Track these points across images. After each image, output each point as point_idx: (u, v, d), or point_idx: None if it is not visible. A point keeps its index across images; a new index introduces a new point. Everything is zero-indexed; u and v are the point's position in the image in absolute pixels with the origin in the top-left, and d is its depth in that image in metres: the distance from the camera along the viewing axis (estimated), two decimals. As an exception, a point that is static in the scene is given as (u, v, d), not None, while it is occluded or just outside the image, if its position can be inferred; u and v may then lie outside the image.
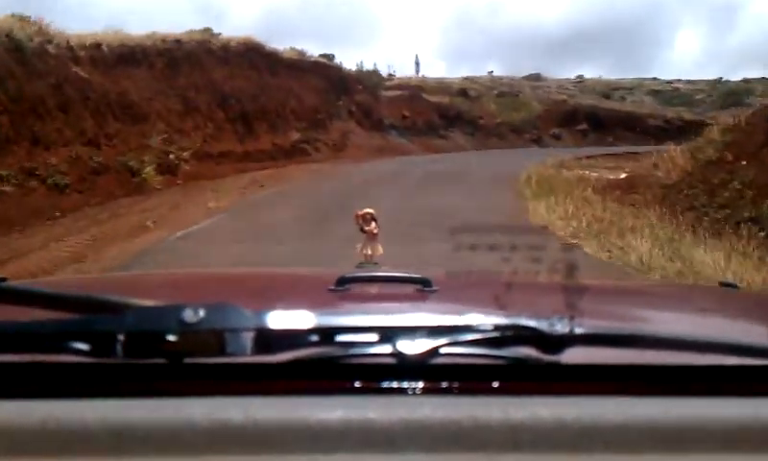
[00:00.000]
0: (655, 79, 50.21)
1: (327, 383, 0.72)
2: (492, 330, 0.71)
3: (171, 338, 0.69)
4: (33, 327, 0.73)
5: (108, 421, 0.66)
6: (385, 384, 0.72)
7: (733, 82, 43.30)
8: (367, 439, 0.66)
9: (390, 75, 36.53)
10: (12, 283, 1.03)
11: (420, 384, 0.72)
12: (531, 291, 0.89)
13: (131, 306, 0.73)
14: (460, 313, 0.75)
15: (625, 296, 1.60)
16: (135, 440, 0.65)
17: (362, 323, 0.74)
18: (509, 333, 0.72)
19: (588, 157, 24.47)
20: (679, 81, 50.28)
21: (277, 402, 0.69)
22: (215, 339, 0.70)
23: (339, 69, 30.00)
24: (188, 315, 0.69)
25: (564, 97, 41.14)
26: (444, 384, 0.72)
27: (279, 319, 0.70)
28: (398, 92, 33.43)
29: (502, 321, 0.72)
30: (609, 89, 47.48)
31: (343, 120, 27.41)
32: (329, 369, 0.73)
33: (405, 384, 0.72)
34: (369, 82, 31.92)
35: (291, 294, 1.50)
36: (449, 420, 0.67)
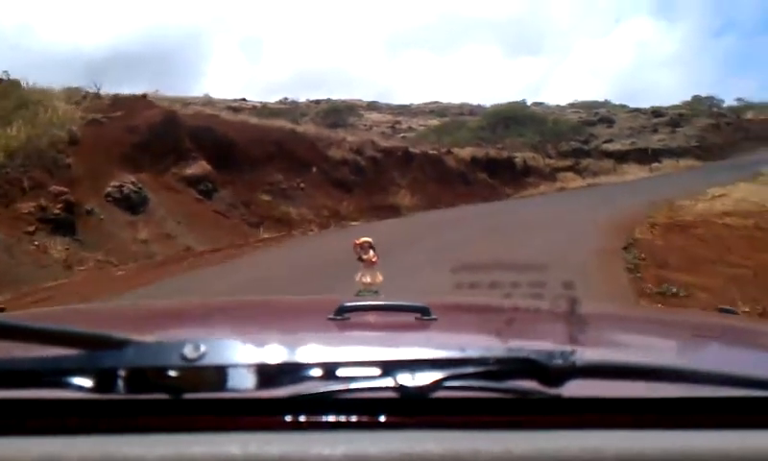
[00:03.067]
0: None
1: (328, 418, 0.71)
2: (494, 363, 0.70)
3: (172, 373, 0.69)
4: (31, 364, 0.73)
5: (108, 457, 0.65)
6: (386, 419, 0.72)
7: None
8: None
9: None
10: (9, 318, 0.97)
11: (422, 418, 0.71)
12: (532, 321, 0.90)
13: (131, 341, 0.72)
14: (460, 344, 0.75)
15: (626, 325, 1.62)
16: None
17: (363, 356, 0.74)
18: (510, 366, 0.71)
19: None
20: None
21: (277, 438, 0.68)
22: (216, 374, 0.69)
23: None
24: (189, 350, 0.68)
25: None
26: (446, 418, 0.71)
27: (280, 353, 0.70)
28: None
29: (503, 353, 0.72)
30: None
31: None
32: (330, 404, 0.72)
33: (406, 418, 0.71)
34: None
35: (291, 324, 1.50)
36: (451, 454, 0.66)
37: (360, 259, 2.80)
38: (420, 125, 44.15)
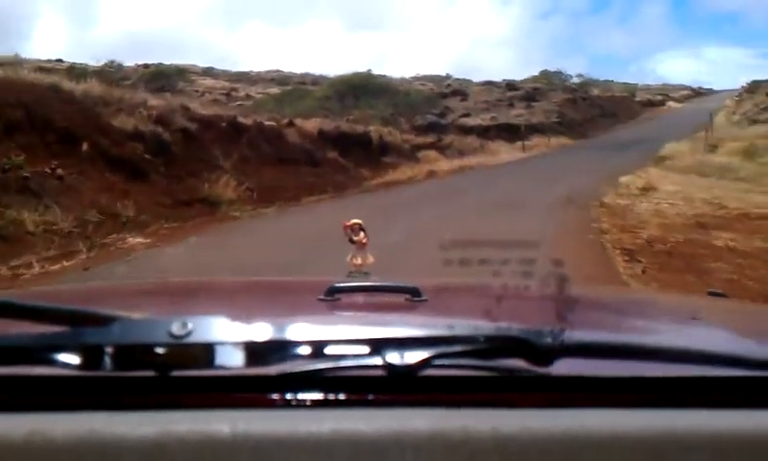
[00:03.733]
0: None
1: (317, 396, 0.72)
2: (483, 342, 0.71)
3: (159, 350, 0.69)
4: (18, 340, 0.73)
5: (95, 434, 0.65)
6: (375, 396, 0.72)
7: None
8: (356, 451, 0.66)
9: None
10: None
11: (410, 396, 0.71)
12: (521, 302, 0.88)
13: (118, 318, 0.72)
14: (450, 324, 0.76)
15: (615, 306, 1.63)
16: (122, 453, 0.65)
17: (352, 334, 0.74)
18: (499, 345, 0.71)
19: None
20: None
21: (266, 415, 0.69)
22: (203, 352, 0.69)
23: None
24: (177, 327, 0.68)
25: None
26: (435, 396, 0.71)
27: (268, 331, 0.70)
28: None
29: (492, 332, 0.72)
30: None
31: None
32: (318, 382, 0.72)
33: (395, 396, 0.71)
34: None
35: (281, 304, 1.51)
36: (439, 432, 0.66)
37: (351, 241, 2.62)
38: (260, 93, 38.56)
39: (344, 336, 0.74)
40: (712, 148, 21.52)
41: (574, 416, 0.69)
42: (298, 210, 12.56)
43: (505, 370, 0.72)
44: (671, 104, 59.33)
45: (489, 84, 42.84)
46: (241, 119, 16.88)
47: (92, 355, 0.69)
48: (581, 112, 38.35)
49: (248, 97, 37.28)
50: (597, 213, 10.13)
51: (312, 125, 20.14)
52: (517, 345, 0.71)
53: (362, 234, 2.65)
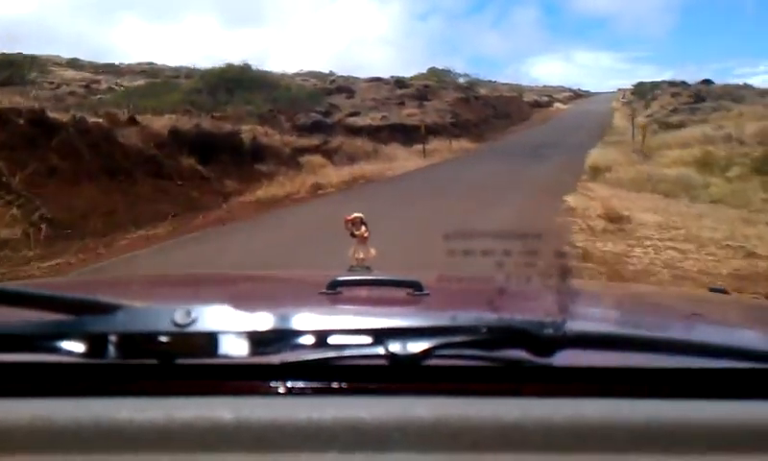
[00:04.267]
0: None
1: (319, 384, 0.72)
2: (484, 333, 0.71)
3: (162, 339, 0.69)
4: (23, 328, 0.73)
5: (99, 420, 0.66)
6: (377, 385, 0.72)
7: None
8: (358, 439, 0.66)
9: None
10: (3, 285, 0.98)
11: (412, 385, 0.71)
12: (523, 294, 0.89)
13: (122, 307, 0.73)
14: (451, 316, 0.76)
15: (616, 299, 1.62)
16: (125, 439, 0.65)
17: (354, 325, 0.74)
18: (501, 335, 0.72)
19: None
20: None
21: (268, 403, 0.70)
22: (206, 340, 0.69)
23: None
24: (180, 316, 0.69)
25: None
26: (437, 385, 0.72)
27: (271, 320, 0.70)
28: None
29: (494, 323, 0.72)
30: None
31: None
32: (321, 370, 0.72)
33: (397, 385, 0.71)
34: None
35: (282, 296, 1.53)
36: (441, 420, 0.67)
37: (352, 235, 2.62)
38: (123, 86, 33.10)
39: (346, 326, 0.74)
40: (645, 157, 19.25)
41: (575, 405, 0.69)
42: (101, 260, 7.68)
43: (507, 360, 0.73)
44: (558, 105, 59.00)
45: (377, 80, 39.60)
46: (53, 114, 12.27)
47: (96, 343, 0.70)
48: (475, 112, 36.01)
49: (110, 90, 31.75)
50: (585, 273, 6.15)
51: (162, 124, 15.72)
52: (519, 335, 0.71)
53: (363, 228, 2.61)
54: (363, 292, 1.37)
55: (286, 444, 0.66)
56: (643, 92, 49.61)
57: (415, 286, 1.16)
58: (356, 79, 40.34)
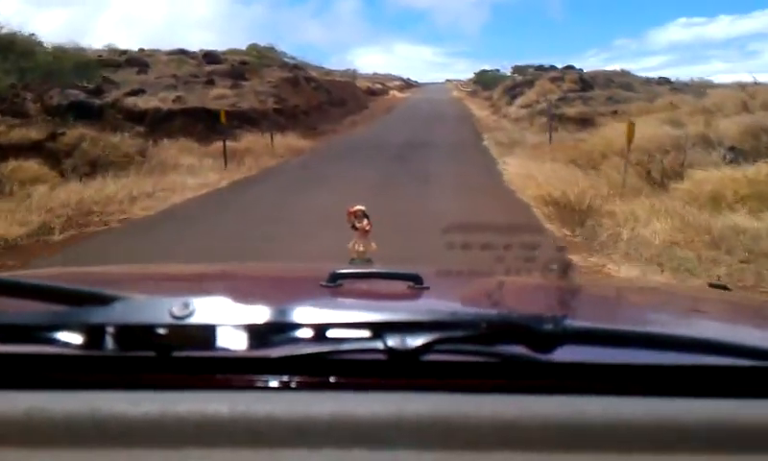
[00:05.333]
0: None
1: (317, 379, 0.72)
2: (484, 328, 0.71)
3: (160, 331, 0.69)
4: (20, 319, 0.74)
5: (95, 412, 0.66)
6: (375, 380, 0.71)
7: None
8: (355, 434, 0.66)
9: None
10: (1, 275, 0.96)
11: (411, 381, 0.71)
12: (523, 289, 0.85)
13: (119, 298, 0.73)
14: (451, 310, 0.76)
15: (616, 295, 1.60)
16: (121, 432, 0.65)
17: (353, 319, 0.73)
18: (500, 331, 0.72)
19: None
20: None
21: (265, 397, 0.69)
22: (204, 333, 0.69)
23: None
24: (178, 308, 0.69)
25: None
26: (435, 381, 0.71)
27: (269, 314, 0.70)
28: None
29: (493, 318, 0.72)
30: None
31: None
32: (319, 365, 0.73)
33: (395, 381, 0.71)
34: None
35: (282, 289, 1.51)
36: (439, 416, 0.67)
37: (354, 228, 2.69)
38: None
39: (345, 320, 0.73)
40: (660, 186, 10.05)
41: (574, 402, 0.69)
42: None
43: (506, 356, 0.73)
44: (394, 92, 53.77)
45: (181, 53, 30.89)
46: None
47: (93, 334, 0.69)
48: (304, 97, 28.73)
49: None
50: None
51: None
52: (519, 331, 0.71)
53: (365, 221, 2.58)
54: (363, 285, 1.36)
55: (282, 439, 0.65)
56: (486, 81, 45.63)
57: (415, 279, 1.16)
58: (155, 51, 31.33)
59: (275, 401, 0.68)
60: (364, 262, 2.37)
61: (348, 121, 28.55)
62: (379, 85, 56.28)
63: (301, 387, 0.71)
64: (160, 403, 0.66)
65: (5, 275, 1.00)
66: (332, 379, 0.71)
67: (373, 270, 1.52)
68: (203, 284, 1.54)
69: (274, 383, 0.71)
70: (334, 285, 1.17)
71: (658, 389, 0.71)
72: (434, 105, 36.68)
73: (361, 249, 2.53)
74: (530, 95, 28.62)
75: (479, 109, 34.17)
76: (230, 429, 0.65)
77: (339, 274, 1.19)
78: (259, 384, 0.71)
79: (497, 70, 48.79)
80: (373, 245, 2.55)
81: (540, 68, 37.54)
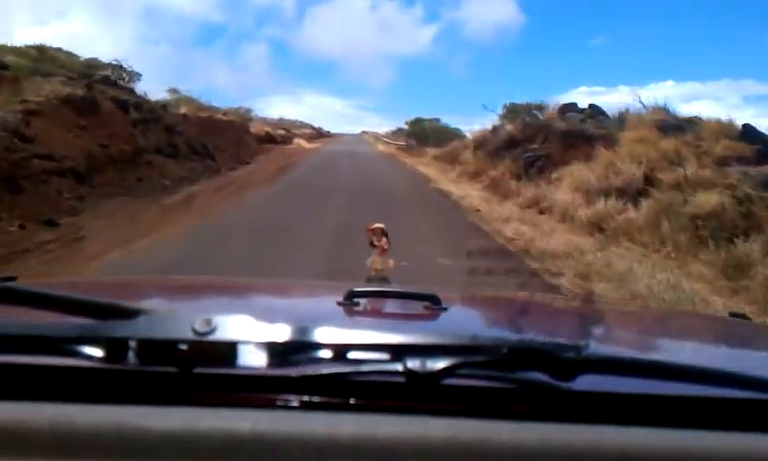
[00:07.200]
0: None
1: (337, 400, 0.71)
2: (505, 353, 0.70)
3: (182, 346, 0.69)
4: (45, 330, 0.73)
5: (117, 426, 0.66)
6: (395, 403, 0.70)
7: None
8: (375, 456, 0.65)
9: None
10: (25, 284, 0.98)
11: (430, 404, 0.70)
12: (545, 313, 0.82)
13: (142, 312, 0.73)
14: (471, 333, 0.75)
15: (636, 322, 1.58)
16: (144, 447, 0.65)
17: (373, 340, 0.73)
18: (521, 357, 0.70)
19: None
20: None
21: (285, 416, 0.69)
22: (226, 350, 0.69)
23: None
24: (200, 324, 0.68)
25: None
26: (455, 406, 0.70)
27: (290, 332, 0.70)
28: None
29: (515, 344, 0.71)
30: None
31: None
32: (339, 385, 0.72)
33: (416, 404, 0.70)
34: None
35: (301, 306, 1.50)
36: (458, 441, 0.66)
37: (372, 245, 2.62)
38: None
39: (364, 341, 0.72)
40: None
41: (594, 432, 0.68)
42: None
43: (527, 382, 0.71)
44: (300, 142, 40.40)
45: None
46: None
47: (116, 348, 0.69)
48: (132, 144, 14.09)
49: None
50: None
51: None
52: (540, 358, 0.70)
53: (384, 240, 2.56)
54: (380, 304, 1.34)
55: (302, 459, 0.65)
56: (424, 132, 33.20)
57: (433, 300, 1.14)
58: None
59: (296, 421, 0.67)
60: (380, 280, 2.36)
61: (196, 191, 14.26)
62: (282, 131, 42.86)
63: (322, 407, 0.70)
64: (183, 420, 0.66)
65: (27, 283, 1.01)
66: (352, 400, 0.70)
67: (391, 289, 1.50)
68: (222, 298, 1.54)
69: (295, 403, 0.70)
70: (351, 303, 1.15)
71: (678, 421, 0.70)
72: (360, 165, 23.19)
73: (378, 266, 2.53)
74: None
75: (453, 183, 18.20)
76: (252, 448, 0.65)
77: (357, 291, 1.17)
78: (280, 403, 0.70)
79: (437, 119, 36.77)
80: (391, 262, 2.56)
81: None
